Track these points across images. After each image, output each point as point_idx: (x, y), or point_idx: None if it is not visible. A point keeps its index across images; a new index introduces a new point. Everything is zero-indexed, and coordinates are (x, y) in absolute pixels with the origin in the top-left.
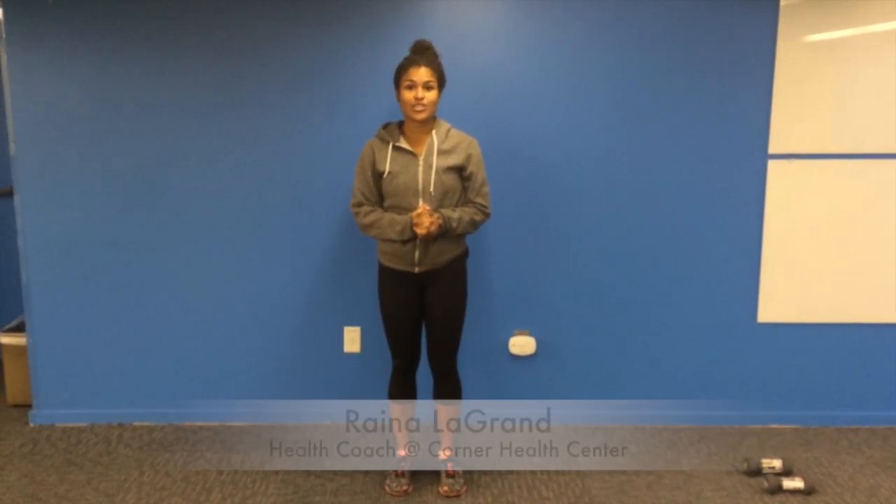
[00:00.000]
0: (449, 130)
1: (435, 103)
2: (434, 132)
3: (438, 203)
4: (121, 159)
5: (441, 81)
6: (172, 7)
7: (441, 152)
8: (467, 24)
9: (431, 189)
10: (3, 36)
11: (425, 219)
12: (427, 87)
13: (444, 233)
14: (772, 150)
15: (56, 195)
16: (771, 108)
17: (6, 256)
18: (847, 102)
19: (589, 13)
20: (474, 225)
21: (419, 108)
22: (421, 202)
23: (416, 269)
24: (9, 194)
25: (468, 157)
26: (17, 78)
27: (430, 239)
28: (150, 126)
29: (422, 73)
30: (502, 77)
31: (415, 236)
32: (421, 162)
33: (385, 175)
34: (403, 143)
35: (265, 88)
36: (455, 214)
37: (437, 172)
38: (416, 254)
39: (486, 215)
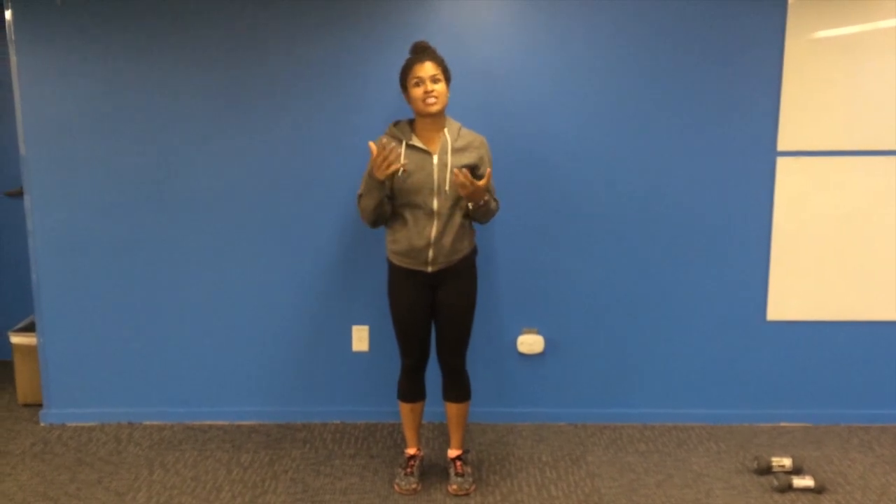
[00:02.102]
0: (460, 129)
1: (445, 95)
2: (446, 130)
3: (453, 201)
4: (130, 159)
5: (447, 74)
6: (181, 7)
7: (455, 150)
8: (474, 22)
9: (447, 187)
10: (13, 37)
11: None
12: (434, 80)
13: (482, 207)
14: (780, 147)
15: (66, 196)
16: (779, 105)
17: (17, 256)
18: (856, 99)
19: (596, 11)
20: (493, 215)
21: (431, 99)
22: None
23: (430, 269)
24: (19, 195)
25: (481, 158)
26: (27, 79)
27: (475, 200)
28: (159, 126)
29: (427, 68)
30: (508, 75)
31: (404, 202)
32: (436, 160)
33: (399, 173)
34: (417, 142)
35: (274, 88)
36: (492, 202)
37: (451, 171)
38: (430, 253)
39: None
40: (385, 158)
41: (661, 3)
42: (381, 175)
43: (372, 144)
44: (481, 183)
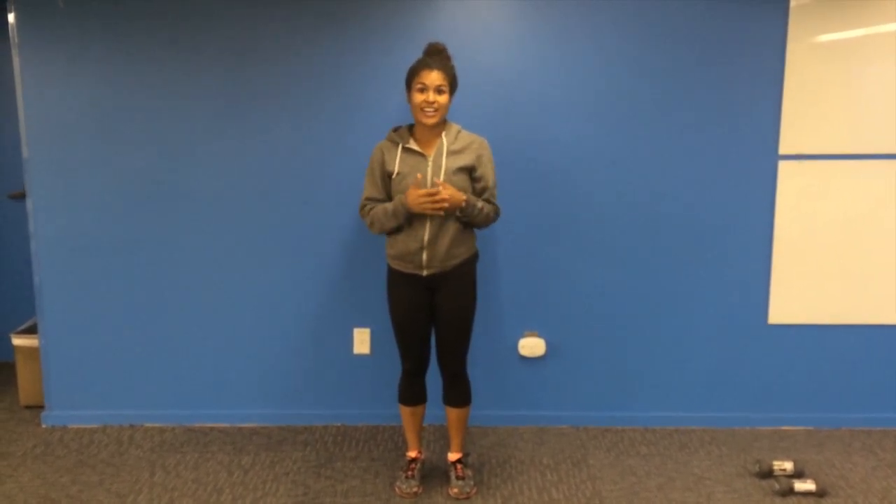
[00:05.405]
0: (459, 132)
1: (446, 107)
2: (444, 134)
3: None
4: (132, 161)
5: (453, 86)
6: (183, 10)
7: (451, 153)
8: (477, 26)
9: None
10: (16, 40)
11: (441, 193)
12: (438, 91)
13: (466, 213)
14: (782, 150)
15: (68, 198)
16: (781, 108)
17: (19, 259)
18: (858, 103)
19: (598, 15)
20: (488, 220)
21: (429, 111)
22: (434, 179)
23: (424, 273)
24: (21, 197)
25: (478, 158)
26: (30, 81)
27: (450, 213)
28: (161, 128)
29: (433, 77)
30: (511, 79)
31: (411, 214)
32: (430, 163)
33: (394, 176)
34: (413, 145)
35: (275, 90)
36: (479, 203)
37: (445, 173)
38: (424, 256)
39: (498, 215)
40: (434, 202)
41: (663, 8)
42: (421, 209)
43: (419, 177)
44: (445, 193)
